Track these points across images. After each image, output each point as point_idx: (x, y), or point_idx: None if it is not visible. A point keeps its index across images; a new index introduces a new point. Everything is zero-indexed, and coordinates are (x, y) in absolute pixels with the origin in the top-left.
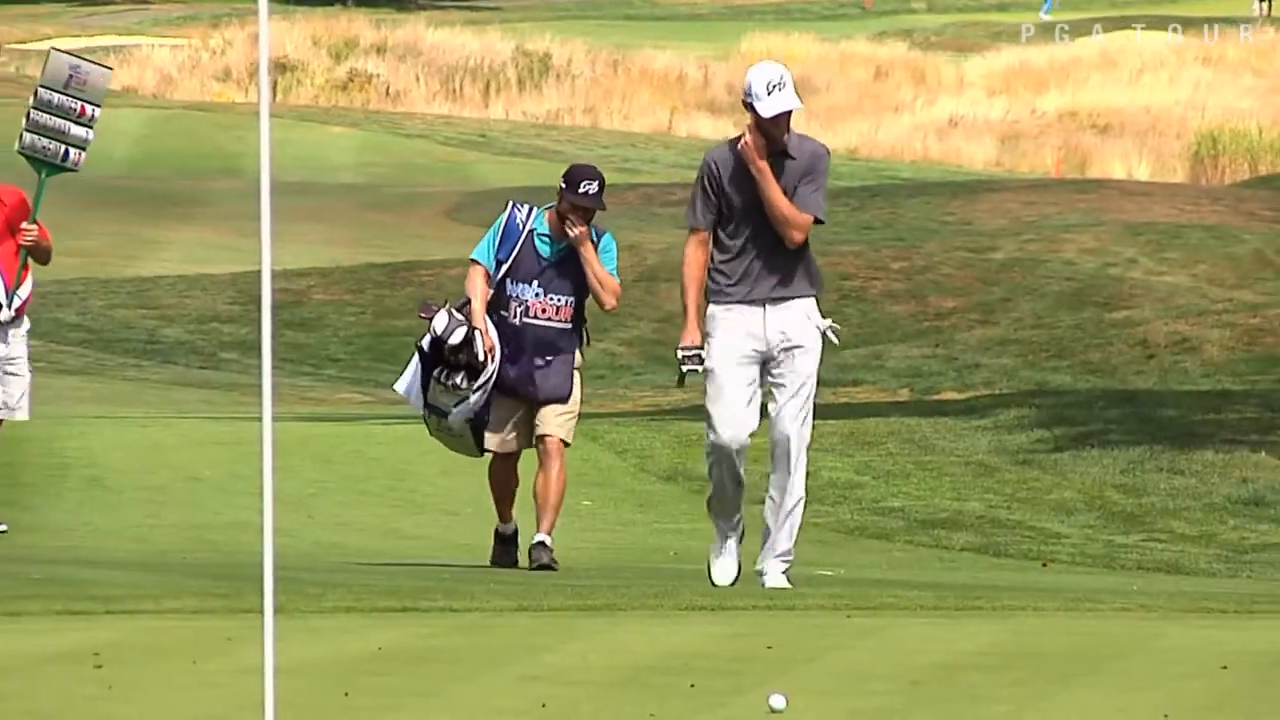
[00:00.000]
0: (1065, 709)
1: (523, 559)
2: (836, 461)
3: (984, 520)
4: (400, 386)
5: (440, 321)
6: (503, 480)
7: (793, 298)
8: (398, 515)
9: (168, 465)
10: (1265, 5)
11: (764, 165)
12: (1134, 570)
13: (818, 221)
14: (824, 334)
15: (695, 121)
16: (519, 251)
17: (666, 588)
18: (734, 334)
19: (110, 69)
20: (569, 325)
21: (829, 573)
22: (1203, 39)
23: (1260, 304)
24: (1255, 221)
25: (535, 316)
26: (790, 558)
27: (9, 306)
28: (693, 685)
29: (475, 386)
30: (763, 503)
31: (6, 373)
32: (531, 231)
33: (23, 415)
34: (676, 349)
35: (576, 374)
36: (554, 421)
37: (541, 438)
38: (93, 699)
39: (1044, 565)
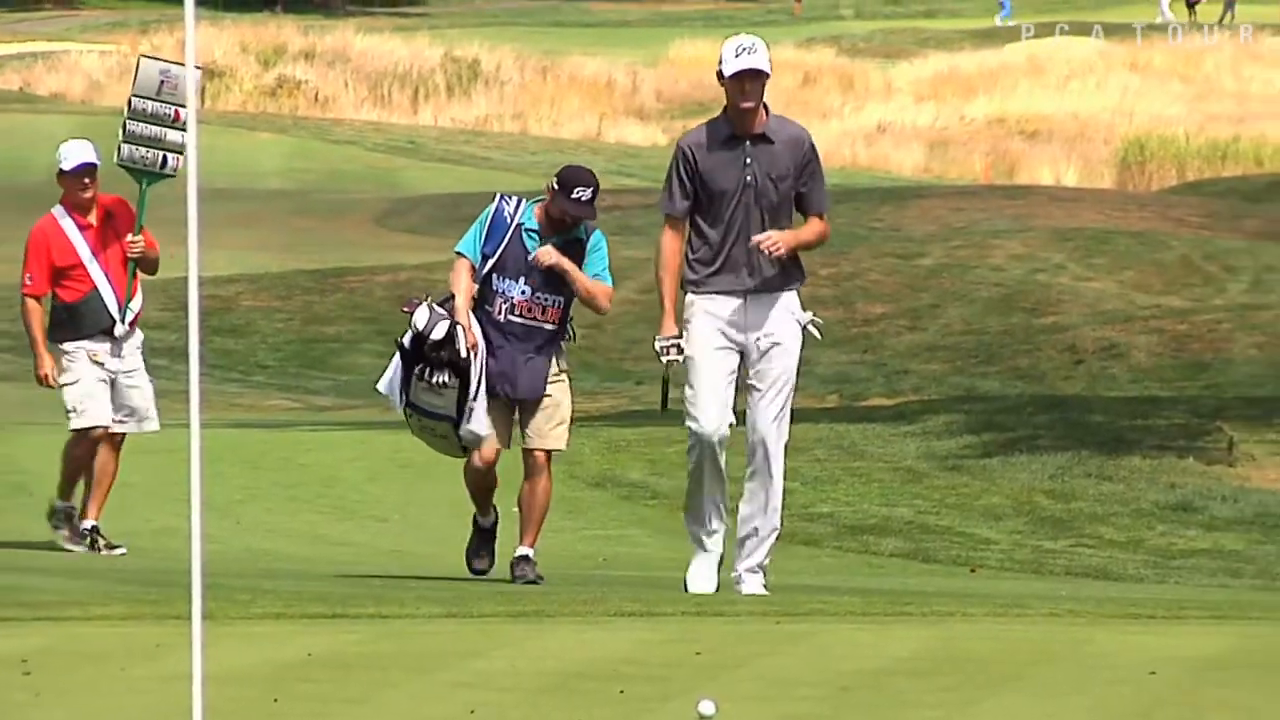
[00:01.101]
0: (994, 714)
1: (495, 561)
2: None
3: (912, 526)
4: (381, 385)
5: (421, 316)
6: (480, 479)
7: (774, 290)
8: (326, 522)
9: None
10: (1191, 12)
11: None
12: (1062, 576)
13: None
14: (804, 328)
15: (624, 128)
16: (506, 246)
17: (595, 594)
18: (712, 323)
19: (200, 68)
20: (554, 327)
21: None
22: (1130, 45)
23: (1187, 310)
24: (1183, 228)
25: (521, 315)
26: (767, 562)
27: (123, 321)
28: (622, 691)
29: (473, 394)
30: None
31: (127, 386)
32: (520, 226)
33: (153, 426)
34: (655, 339)
35: (565, 379)
36: (545, 432)
37: (530, 450)
38: (21, 705)
39: (972, 571)
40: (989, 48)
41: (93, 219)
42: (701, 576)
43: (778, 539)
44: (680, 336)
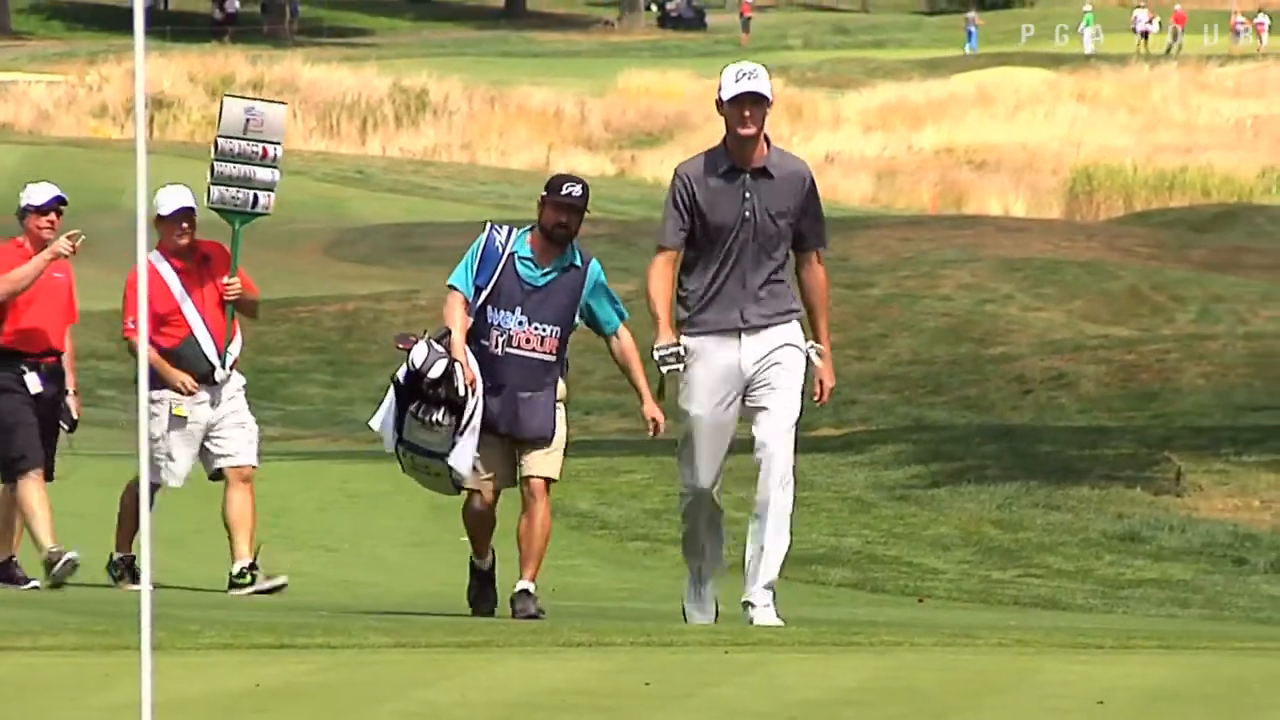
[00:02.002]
0: None
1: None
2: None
3: (861, 556)
4: (375, 422)
5: (419, 354)
6: (480, 520)
7: (769, 325)
8: (276, 552)
9: None
10: (1142, 41)
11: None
12: (1011, 605)
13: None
14: (806, 354)
15: (573, 157)
16: (500, 276)
17: (545, 624)
18: (712, 374)
19: (284, 104)
20: (553, 357)
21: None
22: (1078, 75)
23: (1135, 340)
24: (1130, 257)
25: (518, 347)
26: (777, 580)
27: (223, 366)
28: None
29: (462, 427)
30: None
31: (234, 425)
32: (512, 255)
33: (250, 461)
34: (653, 350)
35: (560, 408)
36: (540, 461)
37: (527, 479)
38: None
39: (920, 601)
40: (937, 78)
41: (190, 263)
42: (699, 608)
43: (787, 557)
44: (679, 345)
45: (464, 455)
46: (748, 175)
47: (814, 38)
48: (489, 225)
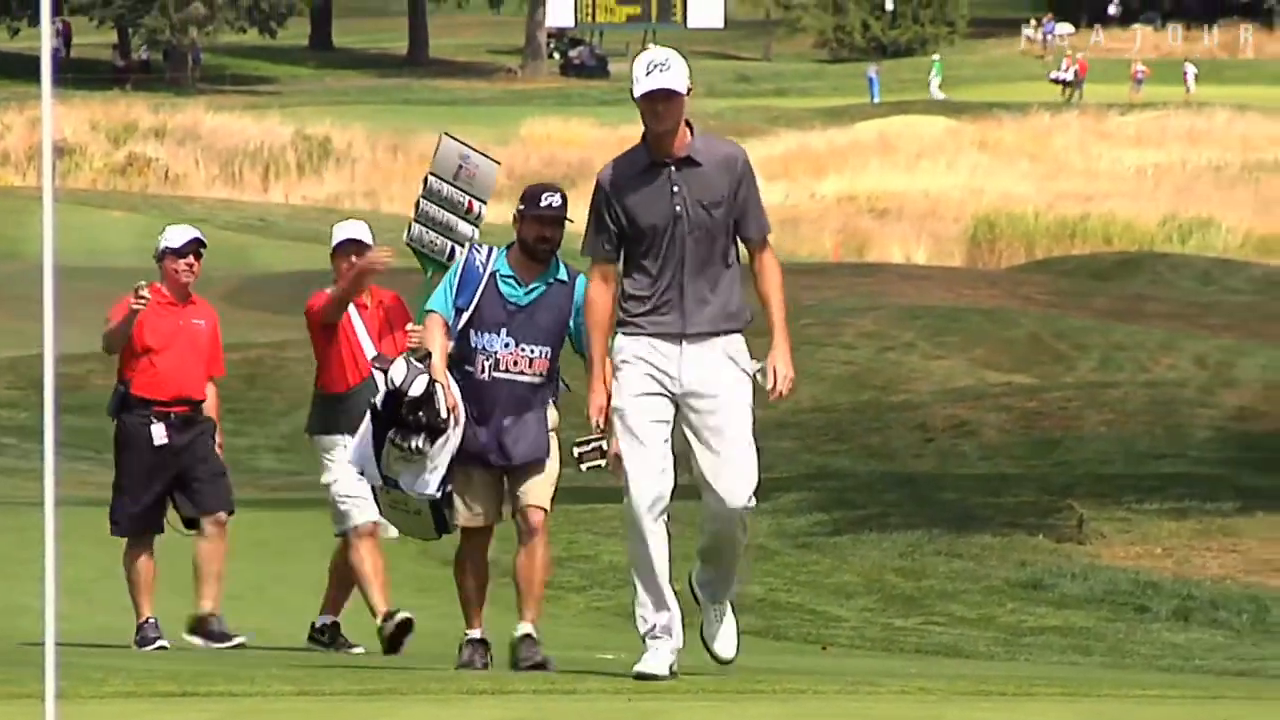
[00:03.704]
0: None
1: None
2: (618, 546)
3: (764, 603)
4: (351, 457)
5: (399, 371)
6: (473, 567)
7: (714, 333)
8: (181, 599)
9: None
10: (1069, 90)
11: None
12: (913, 653)
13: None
14: (753, 377)
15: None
16: (481, 297)
17: (449, 672)
18: (641, 369)
19: (498, 163)
20: (542, 379)
21: (610, 656)
22: (980, 123)
23: (1037, 388)
24: (1031, 305)
25: (506, 370)
26: (733, 597)
27: None
28: None
29: (436, 449)
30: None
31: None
32: (494, 274)
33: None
34: (573, 446)
35: (552, 435)
36: (535, 491)
37: (522, 510)
38: None
39: (824, 648)
40: (839, 126)
41: (368, 300)
42: (652, 661)
43: (738, 579)
44: (603, 437)
45: (433, 479)
46: (672, 168)
47: (716, 86)
48: (469, 246)
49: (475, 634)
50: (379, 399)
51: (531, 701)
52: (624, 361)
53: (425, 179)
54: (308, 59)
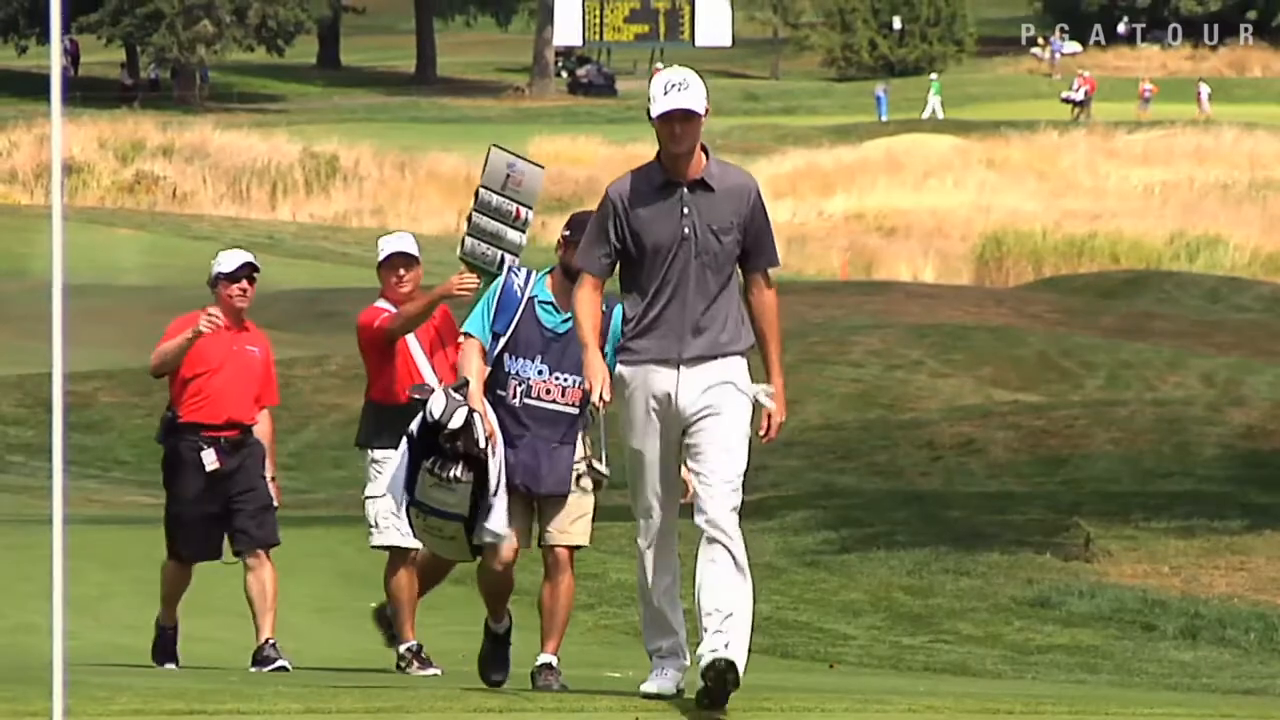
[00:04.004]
0: None
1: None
2: (625, 564)
3: (771, 621)
4: (385, 483)
5: (438, 403)
6: (498, 582)
7: (713, 356)
8: (186, 618)
9: None
10: (1078, 110)
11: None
12: (920, 671)
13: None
14: (755, 400)
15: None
16: (518, 322)
17: (455, 690)
18: (641, 404)
19: (543, 167)
20: (575, 409)
21: (617, 675)
22: (988, 142)
23: (1044, 406)
24: (1039, 323)
25: (538, 398)
26: (741, 639)
27: None
28: None
29: (494, 489)
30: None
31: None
32: (532, 299)
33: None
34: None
35: (581, 465)
36: (567, 527)
37: (549, 546)
38: None
39: (831, 667)
40: (847, 144)
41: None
42: (660, 684)
43: (750, 623)
44: (601, 402)
45: (499, 518)
46: (684, 189)
47: (724, 104)
48: (507, 268)
49: (499, 628)
50: (415, 427)
51: (537, 719)
52: (627, 394)
53: (476, 192)
54: (315, 77)
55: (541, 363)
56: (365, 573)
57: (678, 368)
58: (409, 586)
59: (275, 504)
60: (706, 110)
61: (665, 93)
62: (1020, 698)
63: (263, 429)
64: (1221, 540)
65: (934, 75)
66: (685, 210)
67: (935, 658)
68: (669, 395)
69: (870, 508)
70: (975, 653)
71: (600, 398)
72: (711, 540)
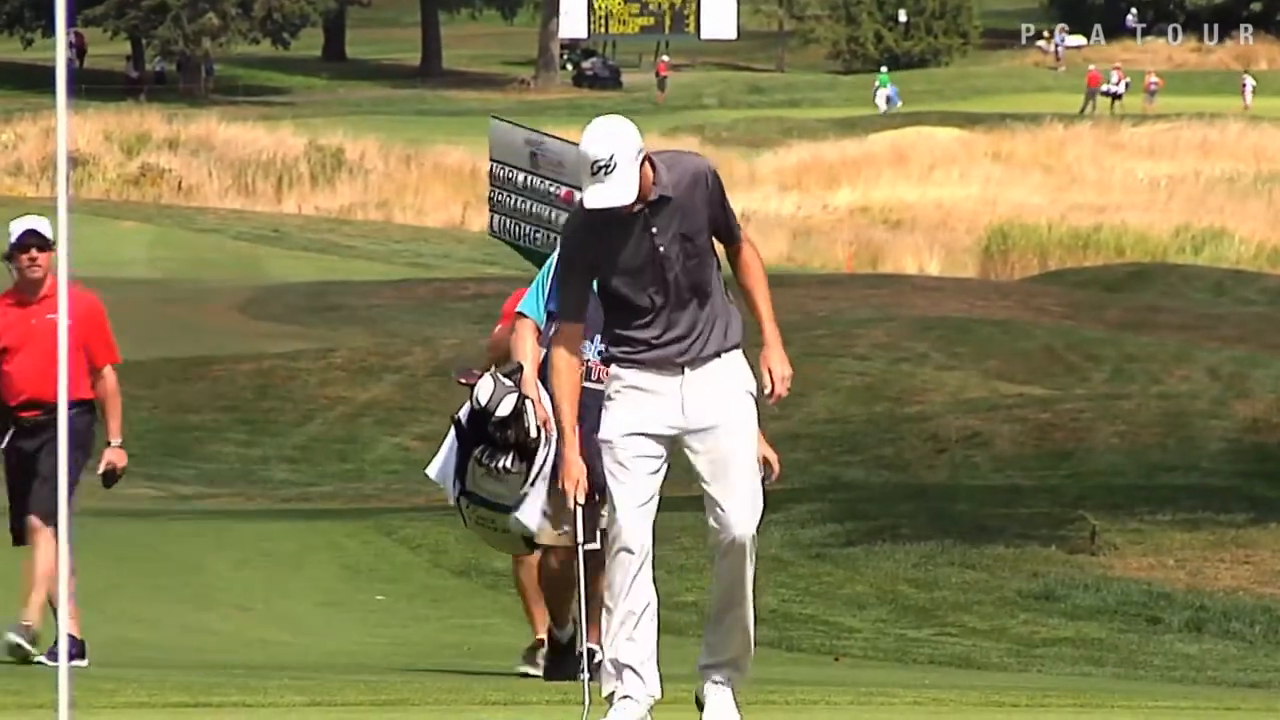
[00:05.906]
0: None
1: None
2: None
3: (777, 614)
4: (432, 471)
5: (485, 389)
6: (559, 582)
7: (714, 354)
8: (191, 611)
9: None
10: (1090, 104)
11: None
12: (926, 664)
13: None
14: (755, 395)
15: (488, 216)
16: None
17: (460, 683)
18: (639, 404)
19: (574, 143)
20: None
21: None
22: (993, 134)
23: (1050, 399)
24: (1044, 316)
25: (598, 380)
26: (737, 670)
27: None
28: None
29: (533, 476)
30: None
31: None
32: None
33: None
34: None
35: None
36: None
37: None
38: None
39: (837, 659)
40: (852, 137)
41: None
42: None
43: (754, 636)
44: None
45: (532, 510)
46: (645, 210)
47: (729, 97)
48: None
49: (563, 635)
50: (463, 414)
51: (543, 712)
52: (618, 393)
53: (490, 169)
54: (321, 70)
55: (600, 343)
56: (370, 566)
57: (683, 371)
58: (528, 575)
59: (117, 469)
60: (641, 158)
61: (593, 174)
62: (1025, 691)
63: (105, 387)
64: (1227, 533)
65: (884, 68)
66: (653, 230)
67: (940, 651)
68: (673, 404)
69: (875, 501)
70: (980, 646)
71: (575, 501)
72: (732, 556)
